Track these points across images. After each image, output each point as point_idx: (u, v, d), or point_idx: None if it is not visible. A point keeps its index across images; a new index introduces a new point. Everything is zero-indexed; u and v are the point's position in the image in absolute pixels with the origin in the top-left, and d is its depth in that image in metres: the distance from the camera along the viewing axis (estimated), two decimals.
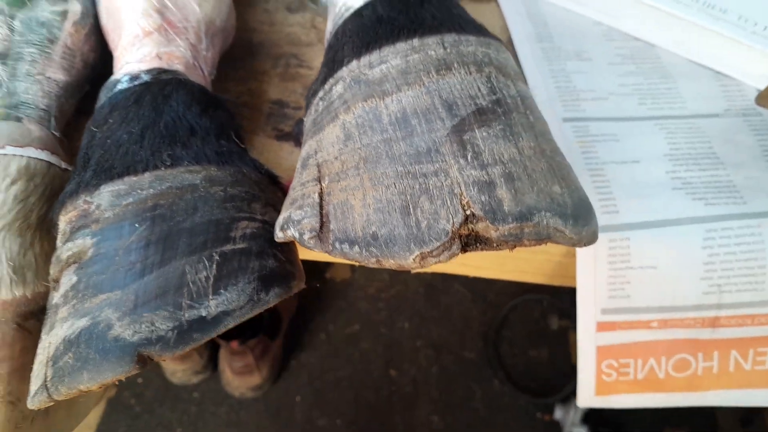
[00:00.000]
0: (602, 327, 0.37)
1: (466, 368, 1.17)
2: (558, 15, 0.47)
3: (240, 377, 1.06)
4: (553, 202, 0.22)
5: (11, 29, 0.33)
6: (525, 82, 0.28)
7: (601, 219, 0.35)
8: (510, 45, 0.45)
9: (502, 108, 0.24)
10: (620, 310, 0.36)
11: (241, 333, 1.03)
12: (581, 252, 0.35)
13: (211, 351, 1.13)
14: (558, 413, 1.08)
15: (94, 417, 1.08)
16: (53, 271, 0.27)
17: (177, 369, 1.09)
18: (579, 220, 0.23)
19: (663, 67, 0.43)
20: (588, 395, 0.39)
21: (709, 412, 1.06)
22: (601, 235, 0.35)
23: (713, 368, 0.38)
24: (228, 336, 1.03)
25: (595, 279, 0.35)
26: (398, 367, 1.16)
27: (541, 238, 0.22)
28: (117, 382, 0.24)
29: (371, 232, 0.23)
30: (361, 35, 0.29)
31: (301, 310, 1.21)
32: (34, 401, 0.25)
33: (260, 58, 0.44)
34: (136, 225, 0.26)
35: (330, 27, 0.33)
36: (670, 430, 1.05)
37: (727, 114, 0.40)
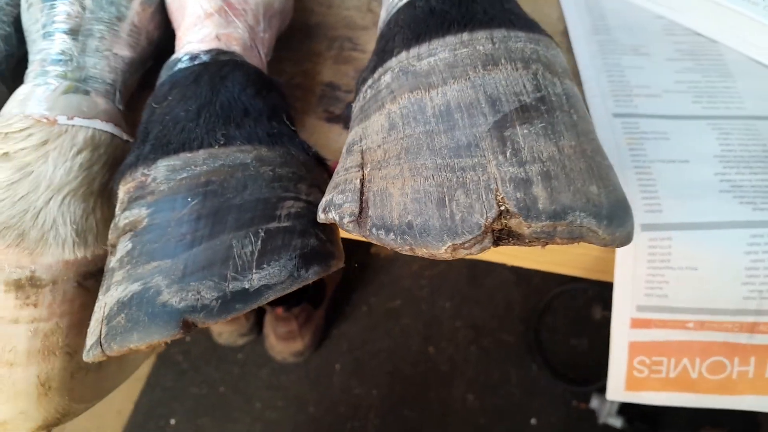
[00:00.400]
0: (636, 323, 0.37)
1: (504, 351, 1.18)
2: (618, 7, 0.46)
3: (283, 342, 1.10)
4: (589, 202, 0.23)
5: (83, 7, 0.35)
6: (572, 79, 0.28)
7: (644, 217, 0.35)
8: (565, 37, 0.44)
9: (545, 106, 0.25)
10: (656, 308, 0.36)
11: (286, 300, 1.07)
12: (621, 249, 0.35)
13: (257, 315, 1.17)
14: (594, 402, 1.08)
15: (144, 370, 1.14)
16: (111, 236, 0.29)
17: (223, 330, 1.13)
18: (613, 221, 0.23)
19: (724, 64, 0.42)
20: (618, 389, 0.39)
21: (751, 413, 1.04)
22: (642, 233, 0.35)
23: (749, 373, 0.37)
24: (273, 302, 1.06)
25: (634, 276, 0.36)
26: (436, 345, 1.18)
27: (573, 238, 0.23)
28: (165, 343, 0.26)
29: (407, 221, 0.24)
30: (413, 26, 0.29)
31: (345, 282, 1.24)
32: (89, 355, 0.27)
33: (316, 39, 0.45)
34: (189, 199, 0.28)
35: (383, 15, 0.34)
36: (709, 429, 1.03)
37: None
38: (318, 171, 0.33)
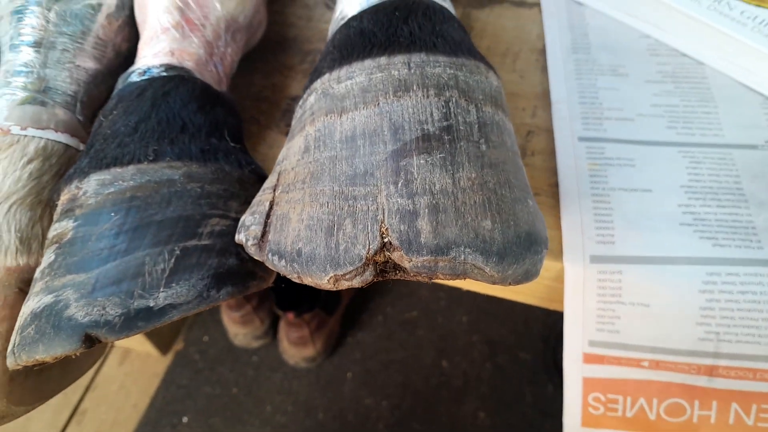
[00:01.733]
0: (589, 359, 0.35)
1: (520, 369, 1.15)
2: (603, 25, 0.44)
3: (295, 347, 1.10)
4: (477, 237, 0.22)
5: (47, 20, 0.36)
6: (500, 105, 0.27)
7: (595, 248, 0.33)
8: (543, 55, 0.43)
9: (450, 135, 0.24)
10: (609, 344, 0.34)
11: (298, 306, 1.07)
12: (569, 279, 0.34)
13: (273, 319, 1.18)
14: None
15: (161, 367, 1.17)
16: (45, 247, 0.30)
17: (239, 332, 1.15)
18: (505, 259, 0.22)
19: (707, 88, 0.40)
20: (574, 425, 0.37)
21: None
22: (591, 265, 0.33)
23: (711, 418, 0.35)
24: (285, 307, 1.07)
25: (584, 309, 0.34)
26: (451, 359, 1.16)
27: (456, 274, 0.22)
28: (74, 356, 0.26)
29: (297, 248, 0.23)
30: (341, 47, 0.29)
31: (362, 290, 1.23)
32: (8, 362, 0.27)
33: (290, 53, 0.45)
34: (112, 214, 0.28)
35: (329, 34, 0.34)
36: None
37: (766, 147, 0.37)
38: (257, 187, 0.33)
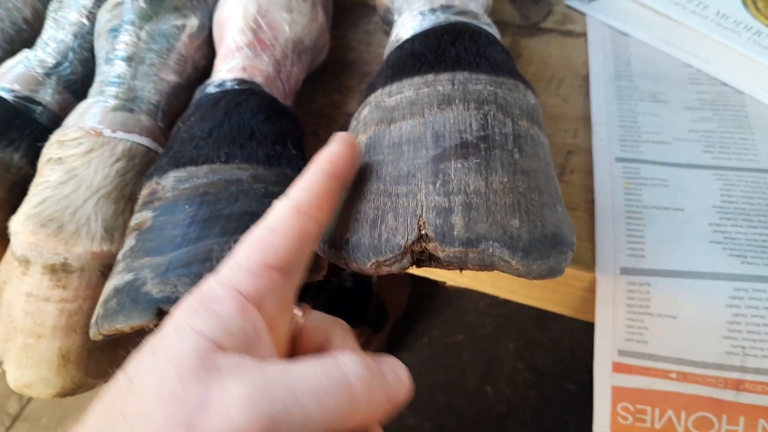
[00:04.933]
0: (618, 368, 0.37)
1: (565, 399, 1.14)
2: (646, 54, 0.47)
3: None
4: (505, 234, 0.25)
5: (138, 37, 0.41)
6: (537, 121, 0.30)
7: (625, 261, 0.35)
8: (586, 81, 0.45)
9: (486, 144, 0.27)
10: (637, 354, 0.36)
11: (345, 321, 1.10)
12: (600, 289, 0.36)
13: None
14: None
15: None
16: (126, 234, 0.34)
17: None
18: (531, 254, 0.25)
19: (745, 116, 0.42)
20: None
21: None
22: (621, 277, 0.35)
23: None
24: None
25: (614, 318, 0.36)
26: (495, 385, 1.17)
27: (484, 264, 0.25)
28: (150, 328, 0.30)
29: (345, 238, 0.27)
30: (394, 66, 0.32)
31: (409, 311, 1.26)
32: (90, 332, 0.32)
33: (349, 74, 0.49)
34: (186, 206, 0.32)
35: (384, 55, 0.37)
36: None
37: None
38: None
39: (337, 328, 0.25)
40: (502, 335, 1.23)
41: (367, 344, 1.12)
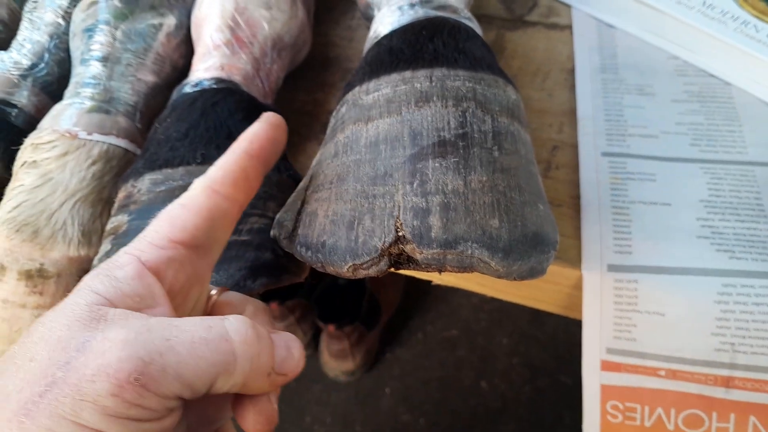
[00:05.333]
0: (607, 366, 0.36)
1: (560, 393, 1.14)
2: (632, 46, 0.46)
3: (335, 360, 1.13)
4: (485, 234, 0.24)
5: (114, 37, 0.40)
6: (518, 117, 0.29)
7: (612, 258, 0.35)
8: (571, 75, 0.45)
9: (465, 142, 0.26)
10: (625, 352, 0.35)
11: (339, 318, 1.10)
12: (587, 286, 0.35)
13: (315, 331, 1.21)
14: None
15: None
16: (102, 238, 0.34)
17: None
18: (511, 255, 0.24)
19: (733, 108, 0.41)
20: None
21: None
22: (608, 274, 0.34)
23: (729, 430, 0.35)
24: (326, 319, 1.10)
25: (601, 316, 0.35)
26: (489, 380, 1.16)
27: (463, 266, 0.24)
28: None
29: (322, 241, 0.26)
30: (372, 63, 0.31)
31: (403, 307, 1.25)
32: None
33: (331, 71, 0.48)
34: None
35: (363, 51, 0.36)
36: None
37: None
38: (293, 190, 0.36)
39: (249, 306, 0.25)
40: (497, 330, 1.23)
41: (361, 341, 1.12)
